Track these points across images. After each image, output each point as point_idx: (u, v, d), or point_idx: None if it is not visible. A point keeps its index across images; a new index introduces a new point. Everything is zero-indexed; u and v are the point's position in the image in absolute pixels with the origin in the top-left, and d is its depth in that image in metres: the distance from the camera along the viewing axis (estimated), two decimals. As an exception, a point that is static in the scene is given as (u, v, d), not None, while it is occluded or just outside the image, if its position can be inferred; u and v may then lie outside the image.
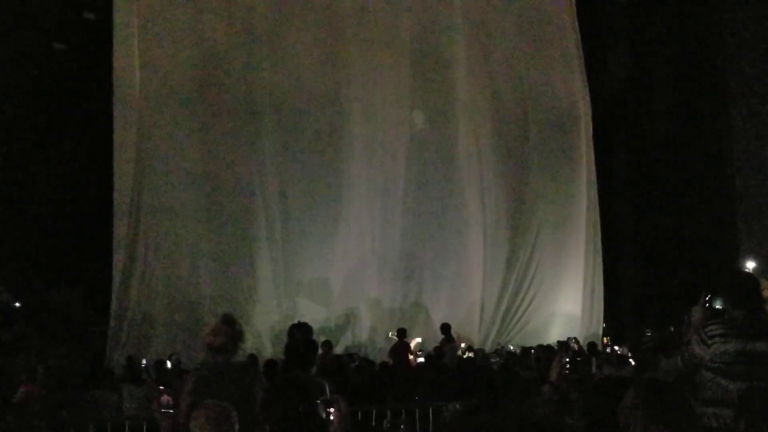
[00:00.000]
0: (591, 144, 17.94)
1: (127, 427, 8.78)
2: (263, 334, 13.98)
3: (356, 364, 11.57)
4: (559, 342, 12.30)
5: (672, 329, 15.43)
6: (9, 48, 13.34)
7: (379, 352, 13.79)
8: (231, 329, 4.57)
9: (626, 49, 19.47)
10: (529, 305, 16.74)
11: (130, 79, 13.80)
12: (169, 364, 10.46)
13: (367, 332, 15.00)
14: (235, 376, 4.49)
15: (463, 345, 13.37)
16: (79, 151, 13.97)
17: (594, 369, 8.57)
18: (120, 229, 13.45)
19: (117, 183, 13.59)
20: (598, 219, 17.87)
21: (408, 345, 12.79)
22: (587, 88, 17.97)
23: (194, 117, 14.17)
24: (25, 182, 13.91)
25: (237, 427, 3.54)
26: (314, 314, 13.34)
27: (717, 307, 4.41)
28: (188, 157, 14.05)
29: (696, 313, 4.47)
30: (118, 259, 13.33)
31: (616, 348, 13.56)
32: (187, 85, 14.16)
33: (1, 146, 13.35)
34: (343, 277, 14.92)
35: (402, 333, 12.94)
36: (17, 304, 13.80)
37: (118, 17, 13.82)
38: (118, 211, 13.50)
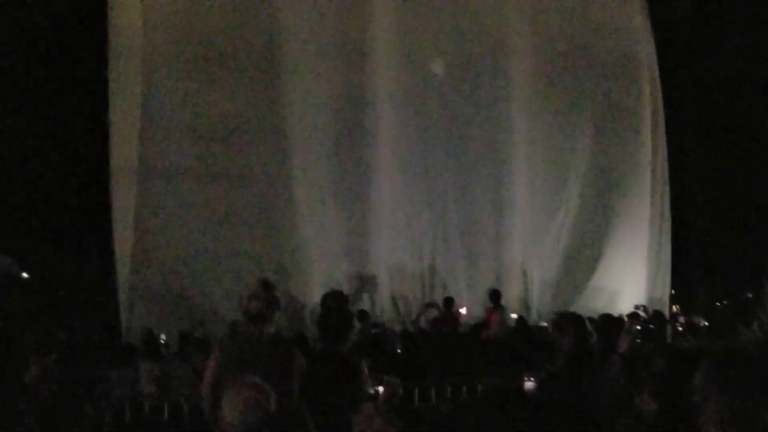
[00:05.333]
0: (658, 90, 17.67)
1: (147, 407, 9.00)
2: (289, 305, 14.09)
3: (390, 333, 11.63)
4: (622, 315, 12.25)
5: (750, 295, 15.32)
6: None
7: (409, 322, 13.90)
8: (269, 294, 4.55)
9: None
10: (586, 271, 16.67)
11: (129, 28, 13.78)
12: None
13: (392, 300, 15.06)
14: (270, 350, 4.48)
15: (513, 315, 13.40)
16: (79, 106, 13.98)
17: (669, 338, 8.51)
18: (119, 195, 13.56)
19: (114, 144, 13.64)
20: (666, 175, 17.66)
21: (456, 315, 12.83)
22: (650, 25, 17.66)
23: (204, 69, 14.00)
24: (24, 144, 14.02)
25: (274, 407, 3.58)
26: (337, 282, 13.45)
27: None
28: (198, 113, 13.97)
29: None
30: (119, 226, 13.48)
31: (687, 317, 13.45)
32: (196, 33, 14.02)
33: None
34: (367, 239, 14.90)
35: (449, 303, 12.95)
36: (24, 274, 14.01)
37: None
38: (117, 175, 13.59)
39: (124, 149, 13.70)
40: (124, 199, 13.56)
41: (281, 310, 4.65)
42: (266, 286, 4.62)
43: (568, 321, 8.72)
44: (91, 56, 13.75)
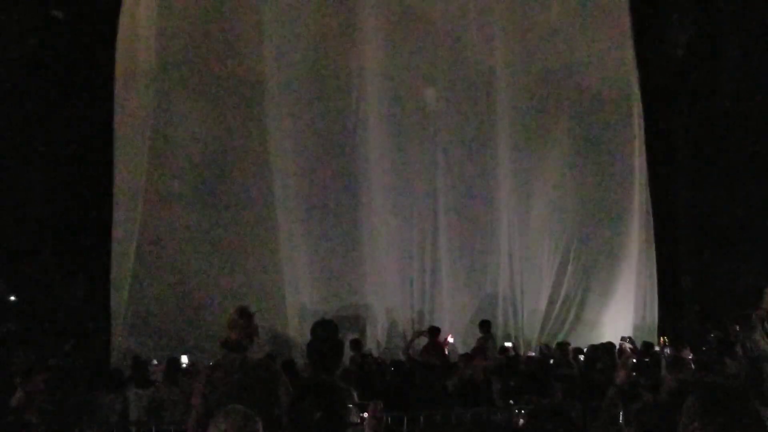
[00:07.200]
0: (642, 125, 17.77)
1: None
2: (281, 332, 14.04)
3: (381, 362, 11.59)
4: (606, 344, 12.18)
5: (737, 328, 15.27)
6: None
7: (394, 351, 13.91)
8: (247, 323, 4.58)
9: (687, 12, 19.03)
10: (573, 301, 16.68)
11: (136, 54, 13.90)
12: (185, 360, 10.57)
13: (382, 330, 15.05)
14: (255, 375, 4.49)
15: (508, 344, 13.40)
16: (79, 132, 14.01)
17: (663, 371, 8.44)
18: (120, 219, 13.59)
19: (117, 169, 13.75)
20: (650, 206, 17.72)
21: (442, 345, 12.80)
22: (635, 61, 17.79)
23: (203, 97, 14.21)
24: (20, 165, 14.00)
25: (261, 434, 3.54)
26: (328, 310, 13.47)
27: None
28: (200, 140, 14.11)
29: (766, 301, 4.35)
30: (118, 251, 13.47)
31: (674, 349, 13.39)
32: (198, 63, 14.21)
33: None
34: (360, 268, 14.99)
35: (435, 332, 12.93)
36: (12, 298, 13.93)
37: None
38: (118, 200, 13.65)
39: (126, 174, 13.73)
40: (123, 224, 13.56)
41: (259, 338, 4.66)
42: (244, 314, 4.61)
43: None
44: (97, 80, 13.80)
